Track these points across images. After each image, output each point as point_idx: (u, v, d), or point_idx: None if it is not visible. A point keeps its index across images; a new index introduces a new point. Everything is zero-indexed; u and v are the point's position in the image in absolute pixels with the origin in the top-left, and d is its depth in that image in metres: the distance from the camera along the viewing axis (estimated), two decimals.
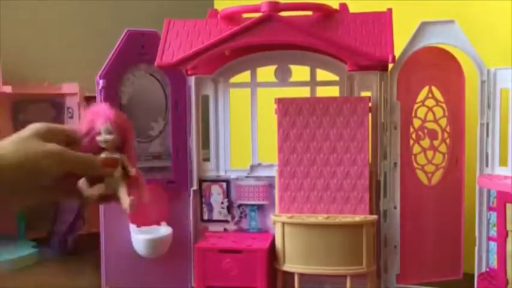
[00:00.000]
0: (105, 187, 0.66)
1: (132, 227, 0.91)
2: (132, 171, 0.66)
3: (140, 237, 0.86)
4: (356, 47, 0.84)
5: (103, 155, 0.65)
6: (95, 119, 0.66)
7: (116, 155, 0.66)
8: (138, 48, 0.93)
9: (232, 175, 0.95)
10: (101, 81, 0.91)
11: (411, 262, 0.91)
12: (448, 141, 0.91)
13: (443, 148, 0.91)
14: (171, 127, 0.94)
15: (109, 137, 0.65)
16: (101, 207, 0.92)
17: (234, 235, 0.94)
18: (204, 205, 0.96)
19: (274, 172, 0.91)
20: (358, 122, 0.87)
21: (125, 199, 0.65)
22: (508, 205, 0.82)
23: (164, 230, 0.91)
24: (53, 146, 0.63)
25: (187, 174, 0.95)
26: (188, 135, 0.94)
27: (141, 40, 0.93)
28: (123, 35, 0.92)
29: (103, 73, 0.92)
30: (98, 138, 0.65)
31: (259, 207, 0.94)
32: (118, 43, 0.92)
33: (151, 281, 0.95)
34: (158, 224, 0.92)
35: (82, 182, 0.65)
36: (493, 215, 0.84)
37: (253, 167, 0.95)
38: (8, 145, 0.63)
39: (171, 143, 0.94)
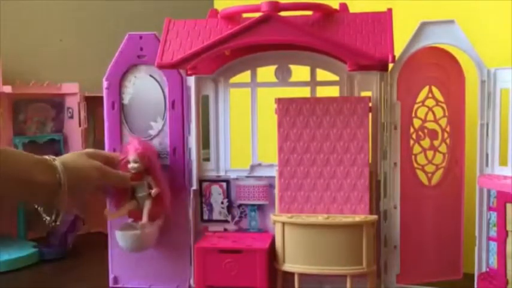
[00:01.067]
0: (136, 204, 0.89)
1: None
2: (155, 191, 0.88)
3: (116, 232, 0.88)
4: (356, 47, 0.84)
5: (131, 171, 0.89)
6: (127, 151, 0.89)
7: (144, 178, 0.89)
8: (137, 51, 0.94)
9: (232, 175, 0.95)
10: (105, 83, 0.95)
11: (411, 262, 0.91)
12: (448, 141, 0.91)
13: (443, 148, 0.91)
14: (168, 126, 0.95)
15: (136, 165, 0.88)
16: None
17: (234, 235, 0.93)
18: (204, 205, 0.96)
19: (274, 172, 0.91)
20: (358, 122, 0.87)
21: (144, 216, 0.88)
22: (508, 205, 0.82)
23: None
24: (98, 163, 0.84)
25: (185, 173, 0.95)
26: (188, 134, 0.95)
27: (139, 42, 0.94)
28: (124, 38, 0.94)
29: (106, 75, 0.95)
30: (128, 166, 0.88)
31: (260, 207, 0.94)
32: (120, 46, 0.94)
33: (151, 281, 0.95)
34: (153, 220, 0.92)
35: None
36: (493, 215, 0.84)
37: (253, 167, 0.95)
38: (69, 158, 0.81)
39: (168, 142, 0.95)
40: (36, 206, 0.83)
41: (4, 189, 0.74)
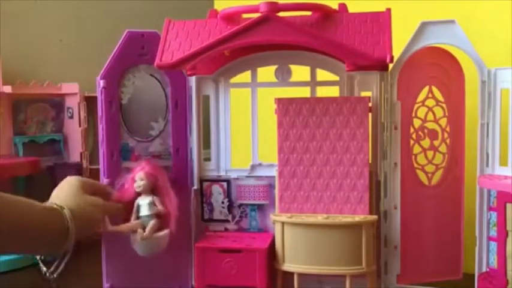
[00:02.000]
0: (140, 224, 0.86)
1: None
2: (161, 210, 0.86)
3: (135, 237, 0.87)
4: (354, 47, 0.84)
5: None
6: (135, 171, 0.87)
7: (149, 197, 0.86)
8: (138, 49, 0.93)
9: (232, 175, 0.95)
10: (101, 82, 0.93)
11: (411, 262, 0.91)
12: (448, 141, 0.91)
13: (443, 148, 0.91)
14: (171, 127, 0.94)
15: (141, 182, 0.86)
16: None
17: (234, 235, 0.94)
18: (204, 205, 0.96)
19: (274, 172, 0.91)
20: (358, 122, 0.87)
21: (148, 231, 0.85)
22: (508, 205, 0.82)
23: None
24: (100, 200, 0.82)
25: (188, 174, 0.95)
26: (189, 135, 0.95)
27: (141, 41, 0.93)
28: (123, 35, 0.93)
29: (103, 74, 0.93)
30: (134, 184, 0.86)
31: (260, 207, 0.94)
32: (118, 44, 0.93)
33: (152, 280, 0.95)
34: None
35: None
36: (493, 215, 0.85)
37: (253, 167, 0.95)
38: (67, 200, 0.78)
39: (171, 143, 0.95)
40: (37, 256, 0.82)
41: (12, 241, 0.70)
